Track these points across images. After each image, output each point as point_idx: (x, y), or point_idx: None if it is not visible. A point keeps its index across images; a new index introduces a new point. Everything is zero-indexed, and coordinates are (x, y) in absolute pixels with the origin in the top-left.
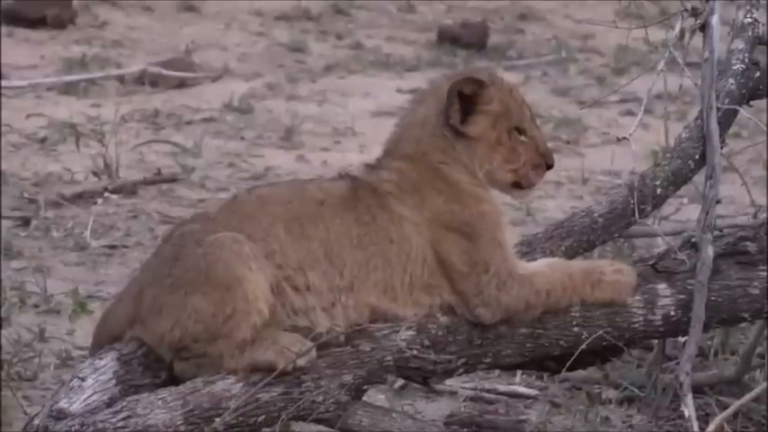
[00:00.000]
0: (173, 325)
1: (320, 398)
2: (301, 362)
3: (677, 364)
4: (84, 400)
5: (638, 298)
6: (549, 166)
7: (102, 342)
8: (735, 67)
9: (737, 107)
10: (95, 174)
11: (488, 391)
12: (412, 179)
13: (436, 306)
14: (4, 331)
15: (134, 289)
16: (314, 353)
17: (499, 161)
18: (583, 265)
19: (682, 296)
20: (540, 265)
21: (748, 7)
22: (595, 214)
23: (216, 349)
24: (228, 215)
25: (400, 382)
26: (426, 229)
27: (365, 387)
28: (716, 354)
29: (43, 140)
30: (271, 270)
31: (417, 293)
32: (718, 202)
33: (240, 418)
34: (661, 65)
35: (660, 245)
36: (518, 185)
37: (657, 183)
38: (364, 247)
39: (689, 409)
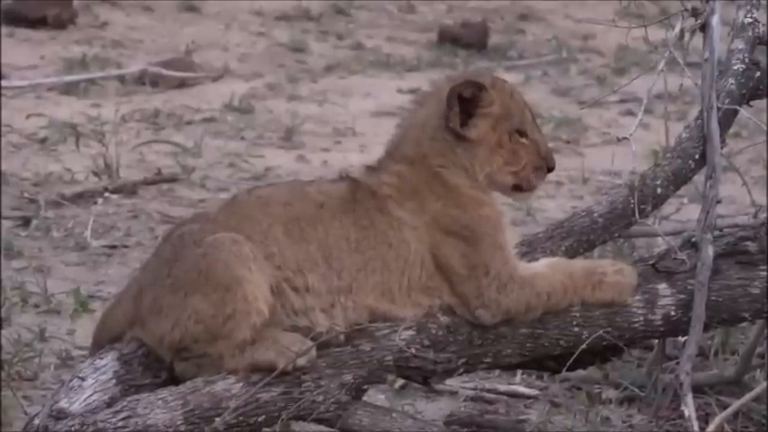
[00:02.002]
0: (173, 325)
1: (320, 398)
2: (301, 362)
3: (677, 363)
4: (85, 400)
5: (638, 298)
6: (550, 169)
7: (101, 342)
8: (735, 67)
9: (738, 107)
10: (96, 174)
11: (489, 390)
12: (411, 183)
13: (435, 307)
14: (4, 331)
15: (134, 289)
16: (314, 353)
17: (499, 164)
18: (584, 266)
19: (682, 296)
20: (541, 265)
21: (748, 7)
22: (595, 214)
23: (216, 349)
24: (228, 216)
25: (400, 381)
26: (425, 234)
27: (365, 387)
28: (716, 353)
29: (43, 140)
30: (270, 271)
31: (416, 296)
32: (719, 201)
33: (240, 418)
34: (661, 65)
35: (660, 245)
36: (518, 188)
37: (658, 182)
38: (362, 251)
39: (689, 408)
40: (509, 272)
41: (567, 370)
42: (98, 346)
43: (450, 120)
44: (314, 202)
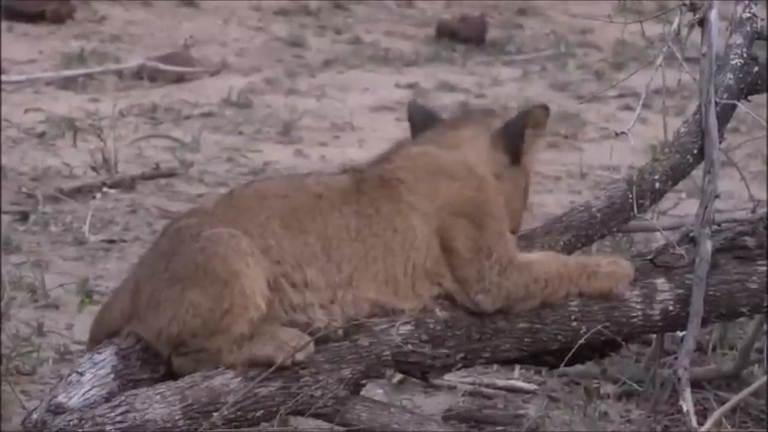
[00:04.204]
0: (170, 320)
1: (318, 392)
2: (300, 356)
3: (676, 358)
4: (83, 395)
5: (636, 293)
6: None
7: (99, 337)
8: (733, 62)
9: (736, 102)
10: (94, 168)
11: (487, 385)
12: (431, 164)
13: (436, 297)
14: (2, 325)
15: (130, 284)
16: (312, 347)
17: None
18: (578, 258)
19: (680, 291)
20: (536, 255)
21: (747, 2)
22: (594, 209)
23: (214, 344)
24: (225, 210)
25: (399, 376)
26: (434, 218)
27: (363, 382)
28: (714, 348)
29: (42, 135)
30: (268, 265)
31: (419, 283)
32: (717, 196)
33: (239, 413)
34: (659, 60)
35: (659, 239)
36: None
37: (656, 177)
38: (363, 239)
39: (687, 403)
40: (509, 256)
41: (566, 365)
42: (96, 342)
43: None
44: (312, 193)
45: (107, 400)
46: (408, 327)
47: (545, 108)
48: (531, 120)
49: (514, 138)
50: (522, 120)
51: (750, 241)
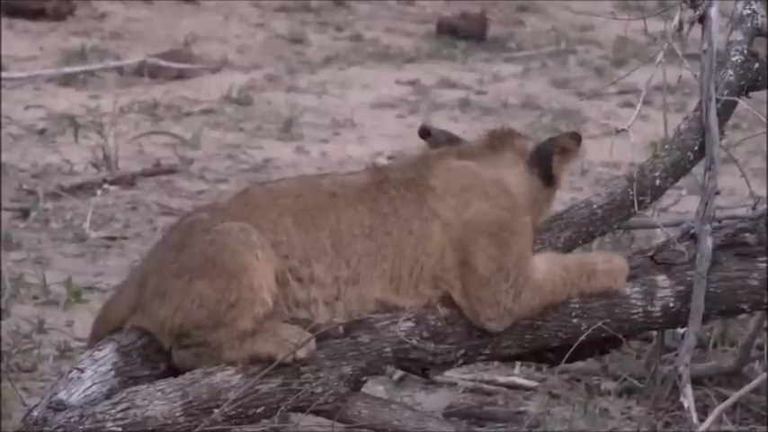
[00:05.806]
0: (175, 310)
1: (319, 389)
2: (301, 353)
3: (676, 355)
4: (84, 392)
5: (636, 289)
6: None
7: (101, 334)
8: (734, 59)
9: (736, 98)
10: (94, 165)
11: (488, 382)
12: (467, 179)
13: (436, 298)
14: (3, 322)
15: (137, 277)
16: (313, 345)
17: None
18: (574, 258)
19: (681, 287)
20: (541, 261)
21: None
22: (594, 205)
23: (216, 338)
24: (238, 206)
25: (399, 373)
26: (456, 230)
27: (364, 378)
28: (715, 345)
29: (42, 132)
30: (277, 259)
31: (423, 285)
32: (718, 193)
33: (239, 410)
34: (660, 56)
35: (659, 236)
36: None
37: (656, 174)
38: (376, 237)
39: (688, 400)
40: (525, 276)
41: (566, 362)
42: (97, 338)
43: (554, 165)
44: (326, 192)
45: (108, 396)
46: (409, 323)
47: (575, 135)
48: (558, 147)
49: (544, 165)
50: (549, 147)
51: (751, 238)
